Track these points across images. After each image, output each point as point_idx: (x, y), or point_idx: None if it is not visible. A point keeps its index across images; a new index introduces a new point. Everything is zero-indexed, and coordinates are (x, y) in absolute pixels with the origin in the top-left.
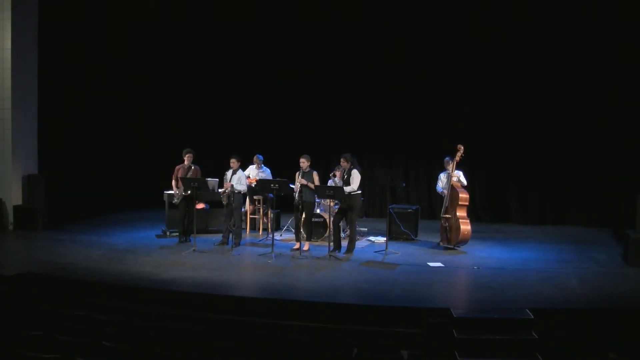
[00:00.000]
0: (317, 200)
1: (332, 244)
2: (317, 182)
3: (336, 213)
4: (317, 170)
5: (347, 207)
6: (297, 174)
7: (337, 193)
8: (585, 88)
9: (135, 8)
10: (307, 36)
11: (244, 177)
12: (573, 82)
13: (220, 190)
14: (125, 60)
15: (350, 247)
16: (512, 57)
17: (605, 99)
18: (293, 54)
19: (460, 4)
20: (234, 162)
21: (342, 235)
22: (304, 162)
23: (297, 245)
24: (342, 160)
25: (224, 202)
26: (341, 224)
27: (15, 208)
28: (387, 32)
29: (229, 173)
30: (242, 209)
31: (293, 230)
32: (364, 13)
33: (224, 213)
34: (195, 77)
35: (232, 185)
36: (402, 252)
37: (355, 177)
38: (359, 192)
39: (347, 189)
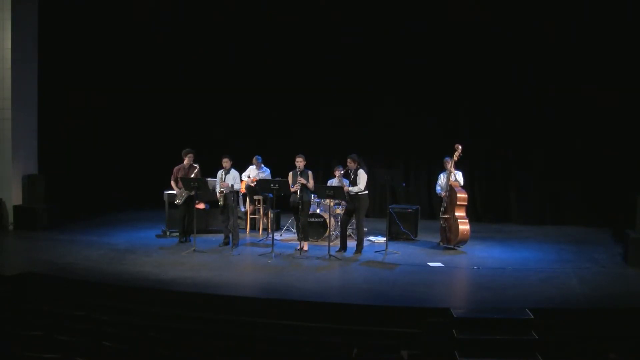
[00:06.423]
0: (316, 200)
1: (332, 244)
2: (312, 181)
3: (343, 214)
4: (317, 170)
5: (354, 208)
6: (291, 173)
7: (337, 193)
8: (585, 88)
9: (134, 8)
10: (305, 35)
11: (238, 175)
12: (573, 82)
13: (221, 190)
14: (126, 59)
15: (359, 248)
16: (511, 57)
17: (606, 99)
18: (292, 54)
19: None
20: (227, 162)
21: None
22: (301, 162)
23: (300, 245)
24: (349, 160)
25: (221, 203)
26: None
27: (15, 208)
28: (387, 33)
29: (220, 173)
30: (242, 209)
31: (293, 230)
32: (366, 14)
33: (223, 214)
34: (196, 77)
35: (232, 185)
36: (402, 252)
37: (362, 177)
38: (366, 192)
39: (354, 189)
